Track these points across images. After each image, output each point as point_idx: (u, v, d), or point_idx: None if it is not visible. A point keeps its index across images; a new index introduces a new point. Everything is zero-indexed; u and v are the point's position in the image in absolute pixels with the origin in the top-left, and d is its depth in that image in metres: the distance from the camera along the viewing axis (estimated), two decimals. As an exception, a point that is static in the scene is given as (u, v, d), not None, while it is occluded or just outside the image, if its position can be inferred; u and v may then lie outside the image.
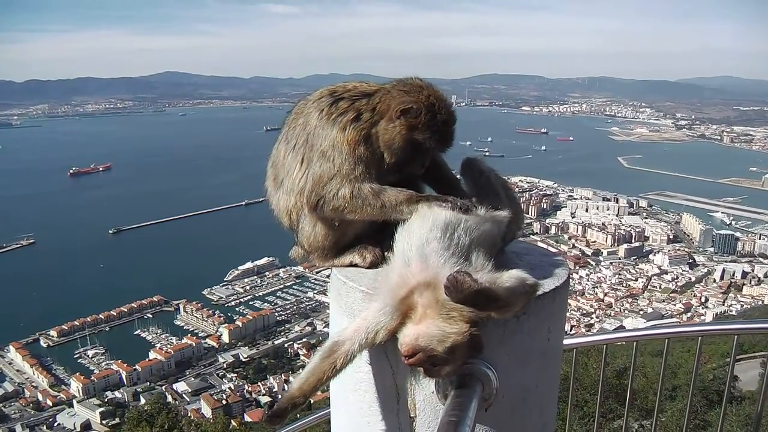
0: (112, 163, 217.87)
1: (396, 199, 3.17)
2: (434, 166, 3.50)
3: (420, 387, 2.93)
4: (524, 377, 3.01)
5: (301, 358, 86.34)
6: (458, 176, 3.58)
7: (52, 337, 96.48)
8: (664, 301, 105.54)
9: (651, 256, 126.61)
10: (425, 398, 2.93)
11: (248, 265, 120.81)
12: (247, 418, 57.42)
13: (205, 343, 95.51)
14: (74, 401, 79.47)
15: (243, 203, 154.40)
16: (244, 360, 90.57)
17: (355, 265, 3.36)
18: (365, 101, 3.33)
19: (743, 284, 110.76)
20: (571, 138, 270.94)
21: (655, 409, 6.46)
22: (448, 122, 3.34)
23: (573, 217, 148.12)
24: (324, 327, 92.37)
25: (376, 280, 3.10)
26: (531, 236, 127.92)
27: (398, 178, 3.34)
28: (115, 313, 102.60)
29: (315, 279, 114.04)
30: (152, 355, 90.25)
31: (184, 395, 79.76)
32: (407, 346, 2.67)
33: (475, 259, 2.83)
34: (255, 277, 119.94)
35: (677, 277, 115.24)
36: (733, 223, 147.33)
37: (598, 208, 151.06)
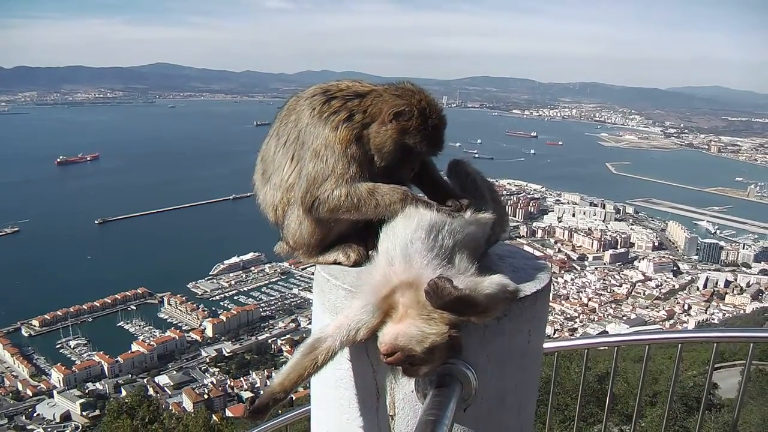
0: (100, 153, 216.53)
1: (390, 198, 3.16)
2: (423, 168, 3.49)
3: (399, 385, 2.94)
4: (503, 379, 3.02)
5: (285, 354, 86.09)
6: (445, 177, 3.59)
7: (34, 326, 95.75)
8: (647, 308, 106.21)
9: (636, 263, 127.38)
10: (405, 397, 2.95)
11: (234, 259, 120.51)
12: (228, 413, 57.28)
13: (189, 336, 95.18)
14: (54, 392, 78.99)
15: (231, 197, 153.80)
16: (227, 355, 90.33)
17: (340, 263, 3.36)
18: (357, 101, 3.32)
19: (726, 293, 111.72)
20: (560, 142, 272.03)
21: (634, 415, 6.52)
22: (439, 127, 3.34)
23: (560, 222, 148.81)
24: (308, 324, 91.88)
25: (359, 278, 3.11)
26: (517, 239, 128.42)
27: (388, 182, 3.32)
28: (98, 304, 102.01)
29: (300, 276, 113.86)
30: (135, 347, 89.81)
31: (165, 388, 79.50)
32: (386, 345, 2.69)
33: (458, 261, 2.85)
34: (240, 272, 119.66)
35: (661, 284, 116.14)
36: (718, 232, 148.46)
37: (585, 213, 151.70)
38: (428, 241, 2.84)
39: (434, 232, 2.88)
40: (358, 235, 3.39)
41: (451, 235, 2.91)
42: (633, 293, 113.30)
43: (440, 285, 2.55)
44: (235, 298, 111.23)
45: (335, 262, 3.38)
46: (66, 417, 74.34)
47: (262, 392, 3.10)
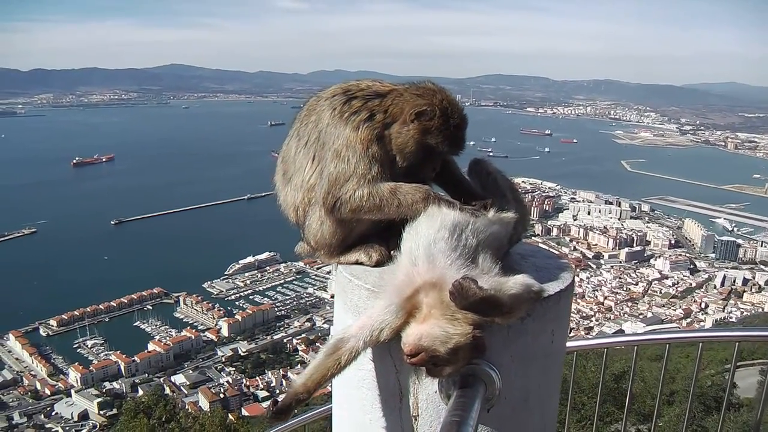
0: (115, 154, 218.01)
1: (412, 197, 3.15)
2: (445, 167, 3.48)
3: (423, 386, 2.93)
4: (527, 379, 3.01)
5: (300, 353, 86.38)
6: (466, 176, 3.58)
7: (52, 326, 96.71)
8: (664, 306, 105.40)
9: (652, 261, 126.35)
10: (428, 397, 2.94)
11: (249, 259, 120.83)
12: (244, 412, 57.56)
13: (204, 336, 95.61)
14: (72, 391, 79.68)
15: (245, 197, 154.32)
16: (242, 354, 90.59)
17: (361, 263, 3.35)
18: (378, 101, 3.32)
19: (744, 291, 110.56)
20: (574, 140, 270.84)
21: (654, 414, 6.47)
22: (461, 126, 3.33)
23: (575, 220, 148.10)
24: (323, 323, 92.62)
25: (381, 278, 3.10)
26: (532, 238, 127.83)
27: (409, 182, 3.30)
28: (114, 304, 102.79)
29: (315, 275, 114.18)
30: (151, 346, 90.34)
31: (182, 388, 79.86)
32: (410, 346, 2.68)
33: (481, 261, 2.84)
34: (256, 271, 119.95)
35: (678, 283, 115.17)
36: (735, 229, 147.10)
37: (600, 211, 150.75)
38: (452, 241, 2.83)
39: (458, 231, 2.87)
40: (379, 235, 3.38)
41: (474, 235, 2.89)
42: (649, 291, 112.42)
43: (465, 285, 2.53)
44: (251, 297, 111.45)
45: (357, 263, 3.37)
46: (84, 416, 74.95)
47: (284, 392, 3.10)
